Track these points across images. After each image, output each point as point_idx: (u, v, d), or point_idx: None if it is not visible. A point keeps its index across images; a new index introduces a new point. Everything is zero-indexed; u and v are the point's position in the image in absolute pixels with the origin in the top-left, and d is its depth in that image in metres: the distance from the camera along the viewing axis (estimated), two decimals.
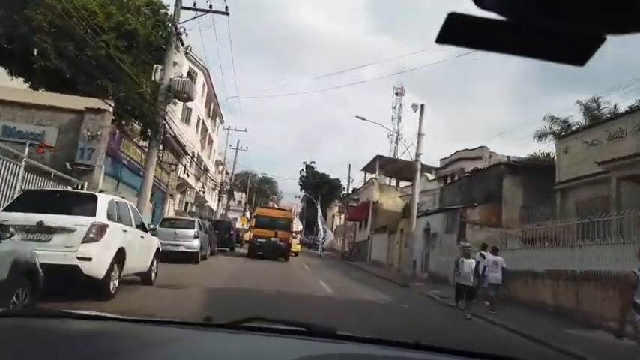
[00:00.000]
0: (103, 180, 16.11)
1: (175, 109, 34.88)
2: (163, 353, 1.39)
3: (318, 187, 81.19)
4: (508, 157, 28.18)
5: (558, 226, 15.33)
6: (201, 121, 43.77)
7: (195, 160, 41.23)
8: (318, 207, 41.60)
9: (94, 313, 1.72)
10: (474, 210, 20.69)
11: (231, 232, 28.55)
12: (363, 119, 22.74)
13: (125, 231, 8.24)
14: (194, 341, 1.49)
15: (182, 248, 16.30)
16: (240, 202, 78.67)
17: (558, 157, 18.78)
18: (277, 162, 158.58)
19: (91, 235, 7.05)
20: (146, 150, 18.02)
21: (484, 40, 0.67)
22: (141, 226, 9.48)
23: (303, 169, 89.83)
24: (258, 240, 23.49)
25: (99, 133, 15.61)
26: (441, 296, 15.83)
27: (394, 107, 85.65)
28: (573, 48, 0.67)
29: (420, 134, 22.04)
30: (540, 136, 24.84)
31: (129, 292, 8.60)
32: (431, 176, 35.96)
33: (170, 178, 26.50)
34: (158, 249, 10.62)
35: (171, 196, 32.14)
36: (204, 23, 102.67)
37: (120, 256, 7.85)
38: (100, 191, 10.88)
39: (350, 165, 51.20)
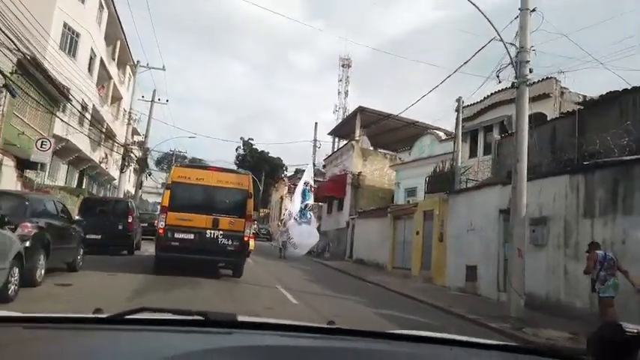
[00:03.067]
0: None
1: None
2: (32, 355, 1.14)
3: (258, 167, 68.80)
4: (584, 96, 17.49)
5: None
6: (97, 59, 29.88)
7: (88, 113, 27.50)
8: (312, 169, 22.42)
9: None
10: None
11: (130, 221, 15.56)
12: None
13: None
14: (71, 339, 1.31)
15: None
16: (164, 183, 64.51)
17: None
18: (206, 146, 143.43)
19: None
20: None
21: None
22: None
23: (239, 146, 77.01)
24: (177, 235, 10.89)
25: None
26: None
27: (340, 80, 74.81)
28: None
29: (525, 8, 10.28)
30: None
31: None
32: (441, 134, 24.52)
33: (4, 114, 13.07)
34: None
35: (37, 167, 18.31)
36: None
37: None
38: None
39: (316, 123, 36.56)
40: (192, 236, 11.01)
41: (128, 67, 39.14)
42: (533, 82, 19.04)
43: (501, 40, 10.57)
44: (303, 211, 18.72)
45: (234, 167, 72.03)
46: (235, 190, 11.51)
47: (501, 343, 1.59)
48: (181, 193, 11.30)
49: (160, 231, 10.95)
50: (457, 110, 16.77)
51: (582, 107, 13.34)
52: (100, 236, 15.00)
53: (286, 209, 21.98)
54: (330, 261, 24.09)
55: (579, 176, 10.57)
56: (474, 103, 22.42)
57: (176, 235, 10.93)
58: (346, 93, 72.60)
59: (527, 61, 10.34)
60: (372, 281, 15.81)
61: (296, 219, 18.17)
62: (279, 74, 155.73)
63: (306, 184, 19.36)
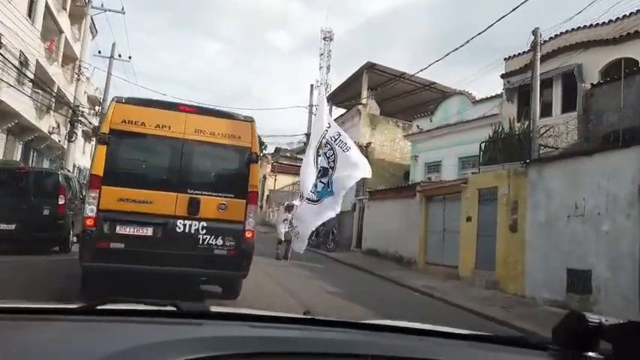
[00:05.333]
0: None
1: None
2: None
3: None
4: None
5: None
6: (41, 3, 23.95)
7: (30, 71, 21.83)
8: (325, 114, 9.19)
9: None
10: None
11: (62, 203, 10.38)
12: None
13: None
14: (38, 330, 1.22)
15: None
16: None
17: None
18: None
19: None
20: None
21: None
22: None
23: None
24: (121, 230, 5.86)
25: None
26: None
27: (322, 54, 69.55)
28: None
29: None
30: None
31: None
32: (474, 94, 19.79)
33: None
34: None
35: None
36: None
37: None
38: None
39: (312, 85, 28.58)
40: (149, 231, 5.95)
41: (84, 25, 33.03)
42: (617, 19, 14.47)
43: None
44: (321, 183, 10.79)
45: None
46: (229, 148, 6.42)
47: (470, 332, 1.45)
48: (129, 152, 6.16)
49: (88, 222, 5.78)
50: (533, 47, 11.85)
51: None
52: (13, 226, 9.91)
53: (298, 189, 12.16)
54: (336, 253, 19.31)
55: None
56: (522, 53, 17.67)
57: (119, 230, 5.83)
58: (328, 68, 67.81)
59: None
60: (420, 289, 11.02)
61: (309, 199, 11.14)
62: (255, 54, 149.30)
63: (324, 144, 11.06)
